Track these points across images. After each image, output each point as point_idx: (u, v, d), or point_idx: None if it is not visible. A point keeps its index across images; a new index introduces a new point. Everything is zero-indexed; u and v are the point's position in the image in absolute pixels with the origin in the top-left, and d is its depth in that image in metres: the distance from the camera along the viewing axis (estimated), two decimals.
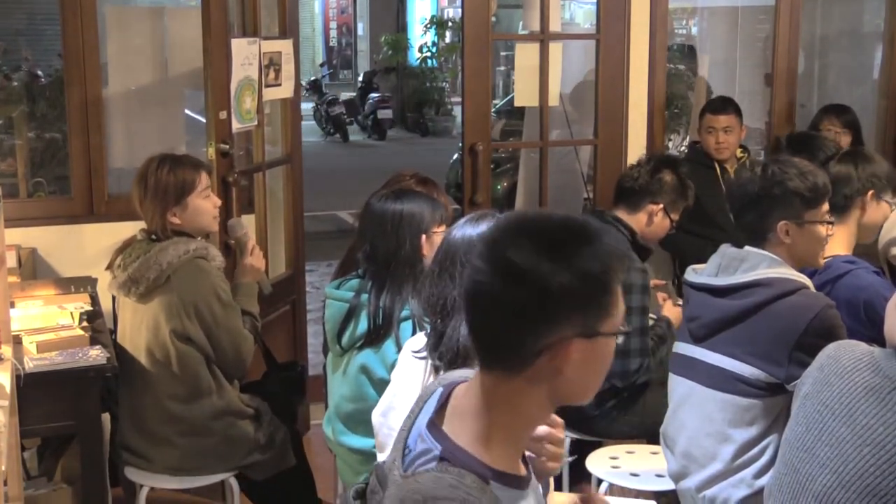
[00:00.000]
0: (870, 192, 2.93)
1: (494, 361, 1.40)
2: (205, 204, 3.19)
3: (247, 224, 3.53)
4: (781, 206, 2.58)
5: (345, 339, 2.76)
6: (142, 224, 3.21)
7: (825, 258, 2.83)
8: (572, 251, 1.35)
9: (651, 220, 3.46)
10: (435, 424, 1.46)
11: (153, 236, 3.15)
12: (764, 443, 2.54)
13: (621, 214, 3.48)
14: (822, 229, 2.64)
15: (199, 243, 3.15)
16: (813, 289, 2.60)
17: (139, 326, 3.13)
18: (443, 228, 2.70)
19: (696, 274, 2.74)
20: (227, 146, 3.82)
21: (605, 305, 1.38)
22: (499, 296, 1.35)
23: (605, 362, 1.43)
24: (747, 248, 2.63)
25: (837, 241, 2.90)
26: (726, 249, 2.69)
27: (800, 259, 2.64)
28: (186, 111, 4.76)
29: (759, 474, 2.53)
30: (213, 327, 3.10)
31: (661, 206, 3.46)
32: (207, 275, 3.11)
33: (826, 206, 2.64)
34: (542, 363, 1.36)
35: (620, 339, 1.43)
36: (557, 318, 1.34)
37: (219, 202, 3.28)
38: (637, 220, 3.47)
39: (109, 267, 3.19)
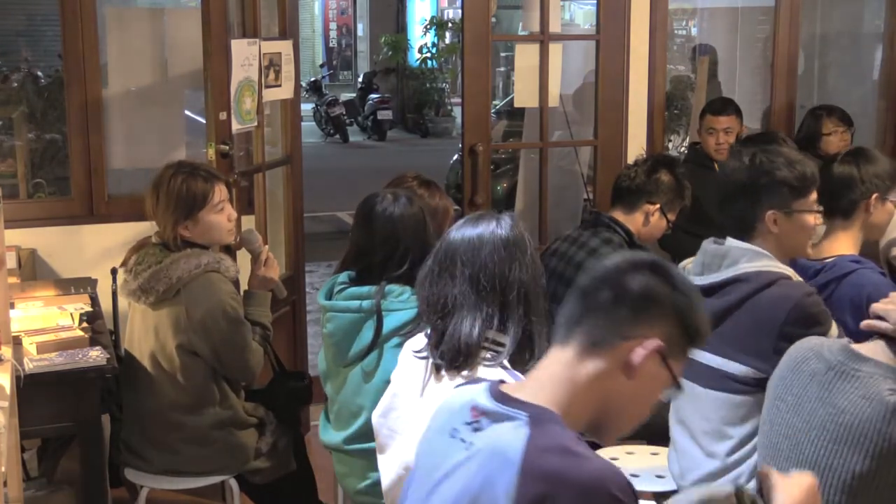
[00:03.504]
0: (874, 196, 2.91)
1: (583, 334, 1.56)
2: (218, 218, 3.13)
3: (260, 236, 3.48)
4: (769, 195, 2.56)
5: (352, 350, 2.67)
6: (143, 225, 3.19)
7: (831, 258, 2.82)
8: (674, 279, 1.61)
9: (647, 220, 3.46)
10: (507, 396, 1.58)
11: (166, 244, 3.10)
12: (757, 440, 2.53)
13: (618, 215, 3.47)
14: (810, 219, 2.62)
15: (212, 256, 3.09)
16: (795, 278, 2.58)
17: (147, 332, 3.12)
18: None
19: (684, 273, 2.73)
20: (227, 147, 3.81)
21: (684, 345, 1.58)
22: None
23: (651, 397, 1.59)
24: (728, 241, 2.60)
25: (844, 242, 2.90)
26: (707, 246, 2.66)
27: (788, 249, 2.63)
28: (186, 112, 4.76)
29: (754, 472, 2.53)
30: (220, 344, 3.06)
31: (658, 206, 3.45)
32: (217, 290, 3.05)
33: (814, 196, 2.62)
34: (623, 350, 1.53)
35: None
36: (651, 319, 1.55)
37: (234, 215, 3.22)
38: (634, 221, 3.47)
39: (123, 264, 3.16)
